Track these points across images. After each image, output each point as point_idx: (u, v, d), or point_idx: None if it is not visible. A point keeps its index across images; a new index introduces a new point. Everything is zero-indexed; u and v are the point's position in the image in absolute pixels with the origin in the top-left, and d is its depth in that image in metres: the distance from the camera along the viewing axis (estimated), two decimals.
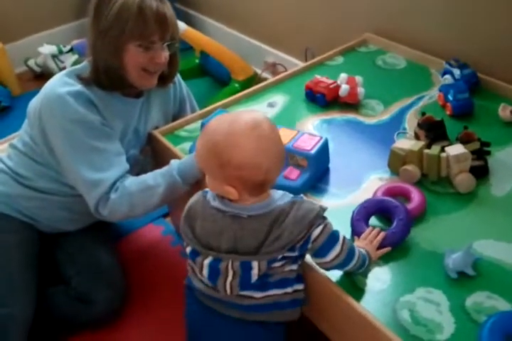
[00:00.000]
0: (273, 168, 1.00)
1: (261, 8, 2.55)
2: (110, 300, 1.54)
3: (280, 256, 1.02)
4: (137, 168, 1.59)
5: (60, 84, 1.38)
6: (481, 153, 1.35)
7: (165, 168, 1.39)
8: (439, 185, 1.34)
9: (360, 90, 1.64)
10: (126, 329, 1.58)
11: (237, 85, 2.51)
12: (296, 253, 1.04)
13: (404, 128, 1.55)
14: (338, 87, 1.65)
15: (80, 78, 1.41)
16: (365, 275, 1.13)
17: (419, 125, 1.45)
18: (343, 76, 1.67)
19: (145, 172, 1.42)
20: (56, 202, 1.54)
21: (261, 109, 1.69)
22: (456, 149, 1.29)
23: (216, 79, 2.73)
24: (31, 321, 1.43)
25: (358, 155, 1.48)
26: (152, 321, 1.60)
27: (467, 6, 1.71)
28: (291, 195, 1.06)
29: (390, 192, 1.30)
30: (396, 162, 1.36)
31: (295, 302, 1.12)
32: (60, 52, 2.81)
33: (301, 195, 1.07)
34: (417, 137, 1.46)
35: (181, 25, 2.33)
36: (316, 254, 1.05)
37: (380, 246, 1.16)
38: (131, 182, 1.37)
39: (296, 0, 2.32)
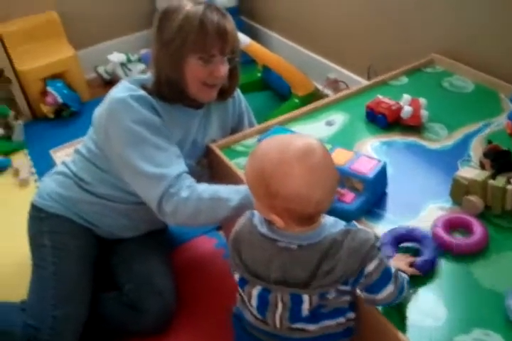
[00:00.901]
0: (324, 199, 0.93)
1: (326, 23, 2.53)
2: (159, 310, 1.54)
3: (333, 290, 0.97)
4: (193, 178, 1.59)
5: (123, 90, 1.41)
6: None
7: (241, 186, 1.34)
8: (503, 219, 1.27)
9: (424, 113, 1.59)
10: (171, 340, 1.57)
11: (297, 100, 2.49)
12: (348, 287, 0.99)
13: (469, 156, 1.48)
14: (400, 108, 1.60)
15: (143, 87, 1.43)
16: (408, 299, 1.09)
17: (484, 154, 1.38)
18: (406, 97, 1.62)
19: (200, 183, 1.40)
20: (116, 208, 1.56)
21: (319, 127, 1.66)
22: None
23: (277, 94, 2.73)
24: (85, 324, 1.46)
25: (418, 182, 1.42)
26: (198, 336, 1.59)
27: None
28: (344, 223, 1.00)
29: (451, 223, 1.25)
30: (458, 191, 1.30)
31: (347, 332, 1.07)
32: (129, 60, 2.89)
33: (354, 223, 1.00)
34: (482, 166, 1.39)
35: (245, 39, 2.34)
36: (367, 290, 1.00)
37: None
38: (206, 188, 1.34)
39: (363, 16, 2.29)
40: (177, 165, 1.37)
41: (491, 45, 1.79)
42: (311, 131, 1.63)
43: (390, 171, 1.42)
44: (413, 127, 1.61)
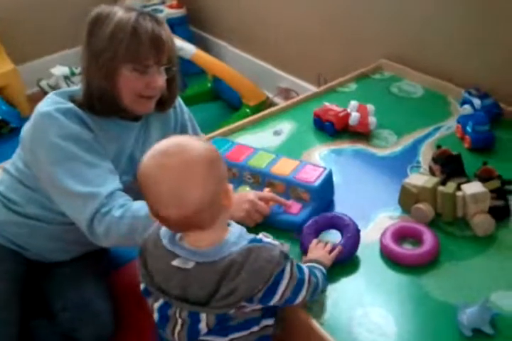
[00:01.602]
0: (186, 201, 0.86)
1: (275, 32, 2.48)
2: (95, 336, 1.42)
3: (233, 310, 0.91)
4: (131, 195, 1.49)
5: (49, 103, 1.31)
6: (502, 192, 1.22)
7: None
8: (454, 227, 1.22)
9: (372, 119, 1.54)
10: None
11: (248, 110, 2.43)
12: (254, 304, 0.92)
13: (418, 162, 1.43)
14: (348, 115, 1.54)
15: (72, 100, 1.34)
16: (324, 290, 1.08)
17: (434, 159, 1.33)
18: (354, 103, 1.56)
19: (139, 200, 1.29)
20: (46, 229, 1.46)
21: (266, 137, 1.61)
22: (474, 187, 1.16)
23: (228, 104, 2.67)
24: None
25: (367, 190, 1.37)
26: None
27: (489, 32, 1.60)
28: (248, 237, 0.92)
29: (400, 232, 1.19)
30: (408, 199, 1.24)
31: (263, 339, 1.01)
32: (73, 73, 2.80)
33: (260, 237, 0.94)
34: (431, 172, 1.34)
35: (190, 48, 2.27)
36: (284, 303, 0.96)
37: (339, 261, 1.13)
38: (142, 206, 1.24)
39: (311, 25, 2.24)
40: (110, 183, 1.27)
41: (439, 48, 1.76)
42: (258, 141, 1.56)
43: (338, 180, 1.37)
44: (362, 134, 1.56)
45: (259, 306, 0.94)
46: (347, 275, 1.14)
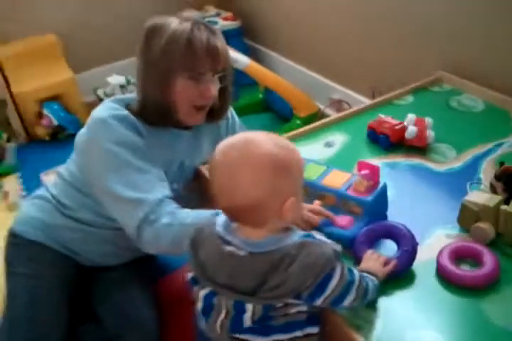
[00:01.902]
0: (255, 194, 0.88)
1: (329, 43, 2.44)
2: None
3: (281, 304, 0.91)
4: (180, 204, 1.48)
5: (105, 109, 1.32)
6: None
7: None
8: None
9: (430, 133, 1.47)
10: None
11: (299, 122, 2.40)
12: (301, 302, 0.92)
13: (479, 179, 1.36)
14: (404, 128, 1.49)
15: (128, 108, 1.35)
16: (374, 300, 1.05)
17: (496, 176, 1.26)
18: (411, 117, 1.51)
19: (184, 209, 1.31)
20: (98, 234, 1.47)
21: (317, 149, 1.57)
22: None
23: (279, 115, 2.65)
24: None
25: (423, 206, 1.30)
26: None
27: None
28: (301, 233, 0.94)
29: (458, 252, 1.12)
30: (468, 218, 1.17)
31: None
32: (128, 82, 2.85)
33: (313, 233, 0.94)
34: (493, 190, 1.27)
35: (244, 60, 2.26)
36: (330, 304, 0.94)
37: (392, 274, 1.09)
38: (189, 214, 1.24)
39: (367, 36, 2.20)
40: (159, 190, 1.26)
41: (502, 61, 1.69)
42: (309, 153, 1.52)
43: (392, 195, 1.31)
44: (418, 148, 1.49)
45: (304, 307, 0.93)
46: (400, 293, 1.09)
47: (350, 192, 1.21)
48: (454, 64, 1.82)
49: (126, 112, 1.31)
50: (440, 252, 1.12)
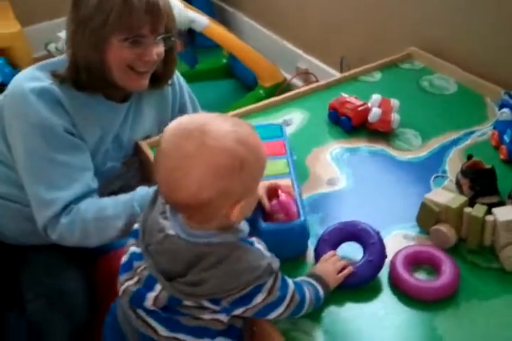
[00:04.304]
0: (198, 190, 0.78)
1: (300, 9, 2.26)
2: (67, 332, 1.30)
3: (194, 304, 0.83)
4: (119, 182, 1.39)
5: (27, 78, 1.20)
6: None
7: (128, 195, 1.18)
8: (479, 256, 1.03)
9: (395, 116, 1.34)
10: None
11: (262, 92, 2.25)
12: (219, 309, 0.83)
13: (444, 172, 1.24)
14: (367, 109, 1.35)
15: (53, 75, 1.21)
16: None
17: (462, 172, 1.14)
18: (376, 97, 1.37)
19: (129, 187, 1.24)
20: (18, 210, 1.33)
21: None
22: (508, 213, 0.98)
23: (243, 83, 2.48)
24: None
25: (382, 200, 1.19)
26: None
27: None
28: (244, 236, 0.85)
29: (415, 258, 1.01)
30: (427, 218, 1.06)
31: None
32: None
33: (252, 240, 0.85)
34: (458, 185, 1.16)
35: (203, 20, 2.07)
36: (253, 315, 0.86)
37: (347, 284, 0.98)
38: (89, 206, 1.17)
39: (340, 3, 2.02)
40: (77, 185, 1.18)
41: (481, 40, 1.54)
42: None
43: (350, 184, 1.22)
44: (382, 133, 1.36)
45: (222, 317, 0.86)
46: (346, 302, 0.97)
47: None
48: (428, 40, 1.67)
49: (48, 83, 1.19)
50: (395, 256, 1.01)
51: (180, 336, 0.88)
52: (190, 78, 2.43)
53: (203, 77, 2.46)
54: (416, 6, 1.69)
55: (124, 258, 0.92)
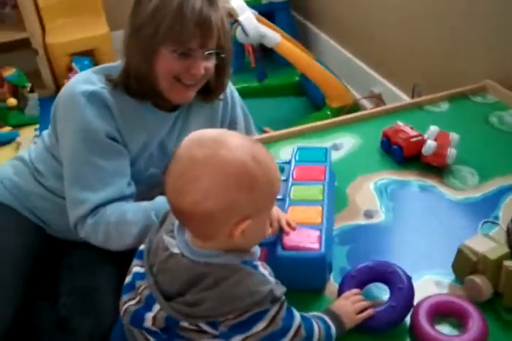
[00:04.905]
0: (203, 201, 0.74)
1: (380, 32, 2.19)
2: (91, 331, 1.28)
3: (193, 327, 0.78)
4: (159, 189, 1.37)
5: (82, 81, 1.23)
6: None
7: (148, 204, 1.19)
8: None
9: (452, 151, 1.24)
10: None
11: (328, 112, 2.18)
12: (217, 333, 0.78)
13: (497, 218, 1.13)
14: (422, 141, 1.26)
15: (107, 79, 1.23)
16: None
17: None
18: (433, 129, 1.27)
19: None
20: (65, 206, 1.33)
21: None
22: None
23: (313, 102, 2.43)
24: (6, 333, 1.23)
25: (420, 240, 1.09)
26: None
27: None
28: (248, 260, 0.80)
29: (441, 307, 0.92)
30: (463, 266, 0.96)
31: None
32: None
33: (258, 263, 0.80)
34: (508, 235, 1.04)
35: (275, 37, 2.04)
36: None
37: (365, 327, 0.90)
38: (114, 210, 1.18)
39: (420, 30, 1.94)
40: (110, 189, 1.20)
41: None
42: None
43: (389, 219, 1.14)
44: (436, 168, 1.27)
45: (217, 333, 0.80)
46: None
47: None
48: (506, 74, 1.55)
49: (99, 87, 1.21)
50: (419, 303, 0.92)
51: None
52: (259, 93, 2.45)
53: (273, 92, 2.45)
54: (498, 38, 1.58)
55: (127, 279, 0.90)
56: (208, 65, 1.17)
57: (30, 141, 2.28)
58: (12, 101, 2.45)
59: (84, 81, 1.22)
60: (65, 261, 1.44)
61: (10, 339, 1.25)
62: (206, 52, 1.15)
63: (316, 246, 0.95)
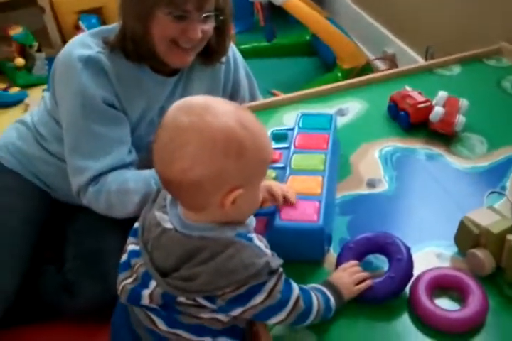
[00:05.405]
0: (190, 169, 0.72)
1: None
2: (97, 295, 1.33)
3: (190, 302, 0.79)
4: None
5: (78, 44, 1.21)
6: None
7: (149, 172, 1.18)
8: None
9: (460, 118, 1.20)
10: None
11: (339, 74, 2.11)
12: (215, 307, 0.78)
13: (504, 188, 1.09)
14: (429, 107, 1.21)
15: (104, 41, 1.21)
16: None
17: None
18: (442, 95, 1.23)
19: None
20: None
21: None
22: None
23: (325, 62, 2.35)
24: (13, 297, 1.26)
25: (423, 211, 1.07)
26: None
27: None
28: (237, 231, 0.77)
29: (441, 281, 0.90)
30: (465, 239, 0.94)
31: None
32: None
33: (253, 235, 0.78)
34: None
35: None
36: (253, 318, 0.81)
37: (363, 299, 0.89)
38: (114, 178, 1.18)
39: None
40: (110, 157, 1.19)
41: None
42: None
43: (391, 189, 1.11)
44: (443, 135, 1.23)
45: (222, 317, 0.82)
46: (358, 318, 0.89)
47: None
48: None
49: (95, 52, 1.19)
50: (419, 276, 0.90)
51: (180, 332, 0.85)
52: (268, 53, 2.38)
53: (283, 52, 2.38)
54: None
55: (123, 257, 0.90)
56: (205, 27, 1.14)
57: (38, 102, 2.26)
58: (20, 61, 2.41)
59: (81, 45, 1.20)
60: (71, 225, 1.46)
61: (16, 302, 1.28)
62: (203, 15, 1.12)
63: (314, 217, 0.94)
